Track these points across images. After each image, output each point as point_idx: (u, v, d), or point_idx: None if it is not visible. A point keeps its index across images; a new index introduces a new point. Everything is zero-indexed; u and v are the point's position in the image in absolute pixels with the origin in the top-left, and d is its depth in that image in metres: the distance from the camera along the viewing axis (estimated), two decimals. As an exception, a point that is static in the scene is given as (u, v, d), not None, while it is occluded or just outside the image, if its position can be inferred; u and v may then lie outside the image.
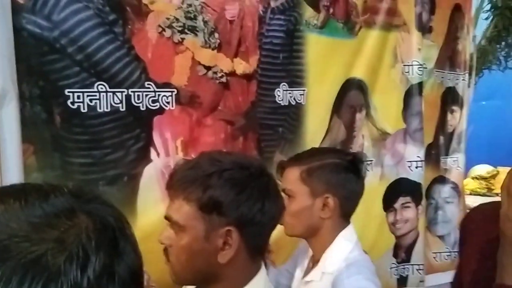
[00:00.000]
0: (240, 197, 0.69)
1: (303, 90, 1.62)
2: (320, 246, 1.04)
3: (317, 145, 1.60)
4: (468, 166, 2.77)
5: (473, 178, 3.10)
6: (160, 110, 1.34)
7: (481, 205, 1.11)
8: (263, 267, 0.76)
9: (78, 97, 1.21)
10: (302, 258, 1.16)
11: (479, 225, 1.01)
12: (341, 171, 1.05)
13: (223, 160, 0.73)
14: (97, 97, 1.23)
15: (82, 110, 1.22)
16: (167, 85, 1.35)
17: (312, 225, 1.04)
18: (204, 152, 0.80)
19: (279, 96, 1.57)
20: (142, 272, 0.37)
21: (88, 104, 1.23)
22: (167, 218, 0.73)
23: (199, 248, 0.70)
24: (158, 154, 1.34)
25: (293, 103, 1.60)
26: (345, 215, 1.06)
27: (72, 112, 1.21)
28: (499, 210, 0.88)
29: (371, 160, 1.83)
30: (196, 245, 0.69)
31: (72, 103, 1.21)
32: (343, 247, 1.02)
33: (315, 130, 1.68)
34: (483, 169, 3.17)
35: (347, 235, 1.05)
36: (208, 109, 1.43)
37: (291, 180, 1.04)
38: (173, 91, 1.35)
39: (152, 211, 1.26)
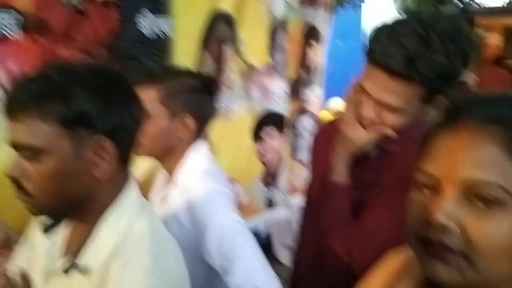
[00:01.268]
0: (106, 104, 0.64)
1: (169, 20, 1.56)
2: (174, 163, 1.05)
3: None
4: (326, 99, 3.05)
5: (329, 110, 3.44)
6: (1, 37, 1.18)
7: (326, 123, 1.23)
8: (132, 176, 0.73)
9: None
10: (155, 181, 1.17)
11: (322, 140, 1.14)
12: (198, 92, 1.05)
13: (77, 69, 0.65)
14: None
15: None
16: (7, 8, 1.18)
17: (169, 145, 1.03)
18: (48, 63, 0.69)
19: (143, 26, 1.49)
20: None
21: None
22: (15, 145, 0.63)
23: (70, 168, 0.63)
24: (1, 87, 1.19)
25: (159, 34, 1.54)
26: (199, 133, 1.07)
27: None
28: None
29: (239, 93, 1.90)
30: (65, 167, 0.62)
31: None
32: (195, 160, 1.04)
33: (183, 63, 1.65)
34: (337, 102, 3.54)
35: (198, 148, 1.06)
36: (60, 37, 1.29)
37: (147, 101, 0.98)
38: (17, 16, 1.19)
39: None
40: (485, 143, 0.46)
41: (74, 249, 0.69)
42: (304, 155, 2.15)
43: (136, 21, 1.47)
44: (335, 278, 1.03)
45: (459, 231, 0.46)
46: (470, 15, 11.53)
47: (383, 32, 0.86)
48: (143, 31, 1.49)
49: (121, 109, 0.65)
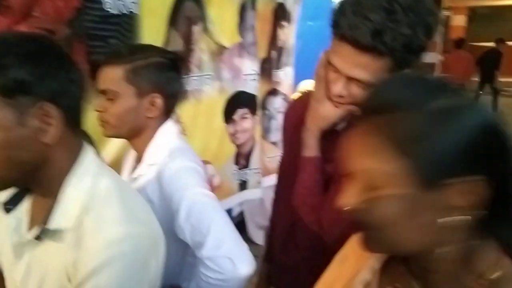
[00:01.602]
0: (42, 70, 0.63)
1: (135, -3, 1.50)
2: (143, 143, 1.03)
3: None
4: (297, 81, 3.04)
5: (301, 92, 3.45)
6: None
7: (296, 100, 1.23)
8: (86, 144, 0.72)
9: None
10: (125, 162, 1.15)
11: (292, 116, 1.14)
12: (165, 69, 1.02)
13: (8, 38, 0.64)
14: None
15: None
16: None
17: (138, 125, 1.01)
18: None
19: (108, 3, 1.43)
20: None
21: None
22: None
23: (17, 137, 0.62)
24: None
25: (125, 11, 1.48)
26: (168, 113, 1.06)
27: None
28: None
29: (210, 74, 1.86)
30: (11, 136, 0.62)
31: None
32: (165, 139, 1.03)
33: (151, 42, 1.59)
34: (309, 84, 3.54)
35: (168, 127, 1.05)
36: (19, 14, 1.22)
37: (114, 80, 0.97)
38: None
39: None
40: (369, 135, 0.52)
41: (41, 218, 0.68)
42: (276, 136, 2.15)
43: (102, 0, 1.40)
44: (307, 249, 1.05)
45: (363, 211, 0.54)
46: (435, -4, 11.68)
47: (349, 6, 0.86)
48: (107, 8, 1.43)
49: (59, 74, 0.64)
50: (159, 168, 0.98)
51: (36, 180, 0.68)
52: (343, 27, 0.86)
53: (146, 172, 1.00)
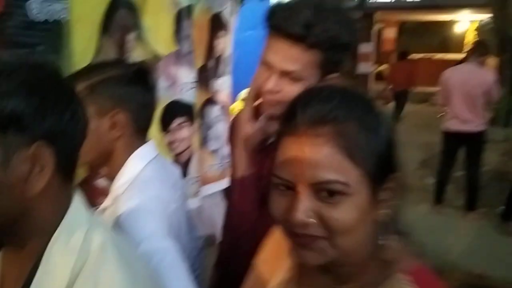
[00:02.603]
0: (43, 104, 0.53)
1: (64, 4, 1.45)
2: (113, 170, 0.93)
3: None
4: (236, 90, 3.07)
5: (240, 100, 3.49)
6: None
7: (235, 117, 1.26)
8: (77, 193, 0.61)
9: None
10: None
11: (230, 134, 1.19)
12: (127, 83, 0.92)
13: (7, 62, 0.54)
14: None
15: None
16: None
17: (103, 149, 0.91)
18: None
19: (34, 10, 1.37)
20: None
21: None
22: None
23: None
24: None
25: (53, 18, 1.43)
26: (139, 132, 0.96)
27: None
28: None
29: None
30: None
31: None
32: (135, 167, 0.93)
33: (82, 50, 1.55)
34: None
35: (142, 153, 0.94)
36: None
37: None
38: None
39: None
40: (322, 145, 0.54)
41: (17, 285, 0.56)
42: (215, 144, 2.16)
43: (25, 4, 1.34)
44: (252, 257, 1.09)
45: (317, 222, 0.55)
46: (368, 10, 12.37)
47: (283, 4, 0.96)
48: (33, 14, 1.37)
49: (61, 110, 0.54)
50: (119, 206, 0.88)
51: (11, 234, 0.55)
52: (277, 20, 0.93)
53: (113, 204, 0.91)
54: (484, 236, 3.70)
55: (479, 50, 3.90)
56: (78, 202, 0.60)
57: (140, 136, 0.95)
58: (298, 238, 0.56)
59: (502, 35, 5.47)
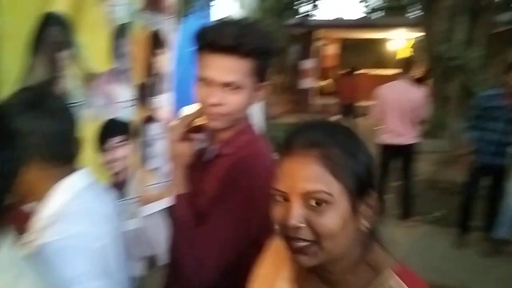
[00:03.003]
0: None
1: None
2: (38, 201, 0.91)
3: (14, 85, 1.43)
4: (178, 107, 3.04)
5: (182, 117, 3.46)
6: None
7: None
8: (6, 242, 0.56)
9: None
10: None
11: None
12: (24, 111, 0.86)
13: None
14: None
15: None
16: None
17: (25, 187, 0.85)
18: None
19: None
20: None
21: None
22: None
23: None
24: None
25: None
26: (59, 163, 0.92)
27: None
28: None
29: (81, 102, 1.78)
30: None
31: None
32: (58, 199, 0.90)
33: (10, 68, 1.48)
34: (192, 109, 3.57)
35: (67, 184, 0.91)
36: None
37: None
38: None
39: None
40: (311, 164, 0.68)
41: None
42: (155, 163, 2.12)
43: None
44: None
45: (307, 226, 0.68)
46: (310, 28, 12.82)
47: (211, 25, 1.07)
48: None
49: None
50: (41, 239, 0.84)
51: None
52: (210, 36, 1.03)
53: (35, 240, 0.86)
54: (420, 241, 3.89)
55: (405, 67, 4.17)
56: (7, 246, 0.56)
57: (62, 165, 0.91)
58: (294, 242, 0.69)
59: (430, 52, 5.87)
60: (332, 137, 0.71)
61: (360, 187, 0.70)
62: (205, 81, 1.06)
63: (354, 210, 0.69)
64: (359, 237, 0.71)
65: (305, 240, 0.68)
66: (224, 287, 1.09)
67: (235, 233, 1.07)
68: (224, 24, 1.06)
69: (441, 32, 5.69)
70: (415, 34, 10.94)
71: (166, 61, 2.26)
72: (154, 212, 2.13)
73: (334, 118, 11.31)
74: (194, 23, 2.89)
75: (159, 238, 2.33)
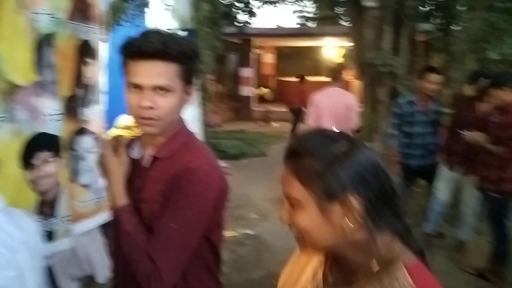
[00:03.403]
0: None
1: None
2: None
3: None
4: (112, 116, 2.95)
5: (119, 127, 3.34)
6: None
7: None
8: None
9: None
10: None
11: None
12: None
13: None
14: None
15: None
16: None
17: None
18: None
19: None
20: None
21: None
22: None
23: None
24: None
25: None
26: None
27: None
28: None
29: (2, 116, 1.67)
30: None
31: None
32: None
33: None
34: (127, 119, 3.46)
35: None
36: None
37: None
38: None
39: None
40: (287, 173, 0.81)
41: None
42: (87, 178, 2.03)
43: None
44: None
45: (291, 223, 0.82)
46: (247, 36, 12.99)
47: (135, 35, 1.10)
48: None
49: None
50: None
51: None
52: (136, 45, 1.07)
53: None
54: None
55: (336, 74, 4.36)
56: None
57: None
58: (296, 238, 0.83)
59: (360, 60, 6.17)
60: (308, 149, 0.80)
61: (327, 194, 0.77)
62: (136, 88, 1.10)
63: (324, 212, 0.78)
64: (353, 235, 0.78)
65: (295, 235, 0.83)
66: (185, 285, 1.15)
67: (187, 234, 1.10)
68: (149, 32, 1.12)
69: (370, 40, 6.01)
70: (347, 43, 11.46)
71: (96, 72, 2.18)
72: (89, 230, 2.04)
73: (274, 125, 11.56)
74: (126, 33, 2.82)
75: (96, 256, 2.23)
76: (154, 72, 1.08)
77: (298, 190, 0.78)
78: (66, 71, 1.97)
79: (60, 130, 1.88)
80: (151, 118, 1.11)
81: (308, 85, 9.62)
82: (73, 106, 2.01)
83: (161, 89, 1.10)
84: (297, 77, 10.02)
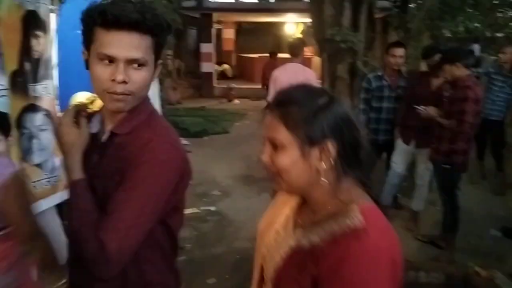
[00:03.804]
0: None
1: None
2: None
3: None
4: (64, 92, 2.83)
5: (77, 104, 3.21)
6: None
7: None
8: None
9: None
10: None
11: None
12: None
13: None
14: None
15: None
16: None
17: None
18: None
19: None
20: None
21: None
22: None
23: None
24: None
25: None
26: None
27: None
28: None
29: None
30: None
31: None
32: None
33: None
34: (83, 96, 3.33)
35: None
36: None
37: None
38: None
39: None
40: (273, 119, 0.91)
41: None
42: (40, 157, 1.94)
43: None
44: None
45: (271, 163, 0.92)
46: (207, 11, 12.71)
47: (110, 2, 1.02)
48: None
49: None
50: None
51: None
52: (111, 14, 0.99)
53: None
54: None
55: (295, 50, 4.37)
56: None
57: None
58: (271, 175, 0.93)
59: (320, 36, 6.20)
60: (292, 97, 0.91)
61: (309, 139, 0.87)
62: (106, 60, 1.03)
63: (304, 155, 0.88)
64: (324, 177, 0.89)
65: (273, 174, 0.93)
66: (136, 269, 1.11)
67: (140, 216, 1.05)
68: (121, 1, 1.03)
69: (330, 16, 6.02)
70: (308, 19, 11.47)
71: (47, 45, 2.06)
72: (44, 210, 1.96)
73: (235, 102, 11.53)
74: (78, 5, 2.68)
75: (53, 237, 2.16)
76: (130, 44, 1.02)
77: (283, 134, 0.88)
78: (12, 44, 1.85)
79: (8, 107, 1.77)
80: (123, 93, 1.05)
81: (281, 61, 9.72)
82: (21, 81, 1.90)
83: (135, 62, 1.04)
84: (269, 53, 10.43)
